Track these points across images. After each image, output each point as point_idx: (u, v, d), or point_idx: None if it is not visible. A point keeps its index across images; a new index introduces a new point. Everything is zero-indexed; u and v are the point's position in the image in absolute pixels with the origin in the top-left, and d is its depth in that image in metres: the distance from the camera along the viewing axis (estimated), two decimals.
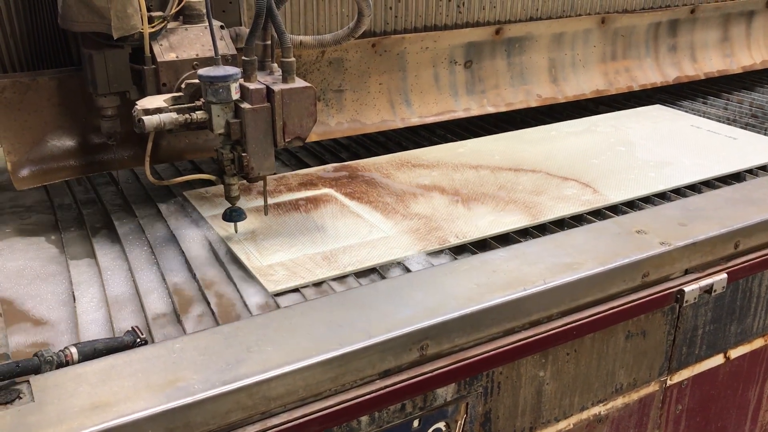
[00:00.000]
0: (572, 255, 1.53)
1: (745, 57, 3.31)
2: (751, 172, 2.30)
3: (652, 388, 1.72)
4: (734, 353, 1.86)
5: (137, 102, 1.69)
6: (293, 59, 1.70)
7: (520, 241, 1.79)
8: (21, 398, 1.07)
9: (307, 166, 2.33)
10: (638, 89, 2.99)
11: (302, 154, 2.43)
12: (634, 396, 1.69)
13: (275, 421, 1.16)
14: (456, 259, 1.69)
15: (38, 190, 2.11)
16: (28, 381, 1.10)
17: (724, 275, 1.65)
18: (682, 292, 1.59)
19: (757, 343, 1.91)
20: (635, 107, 2.97)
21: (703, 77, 3.16)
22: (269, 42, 1.79)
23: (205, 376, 1.13)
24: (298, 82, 1.70)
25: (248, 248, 1.75)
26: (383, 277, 1.63)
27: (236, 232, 1.82)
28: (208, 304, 1.49)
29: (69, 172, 1.98)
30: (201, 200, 2.02)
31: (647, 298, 1.55)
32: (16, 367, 1.09)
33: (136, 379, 1.12)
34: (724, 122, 2.79)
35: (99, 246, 1.78)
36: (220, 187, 1.81)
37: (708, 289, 1.63)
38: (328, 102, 2.38)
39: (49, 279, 1.63)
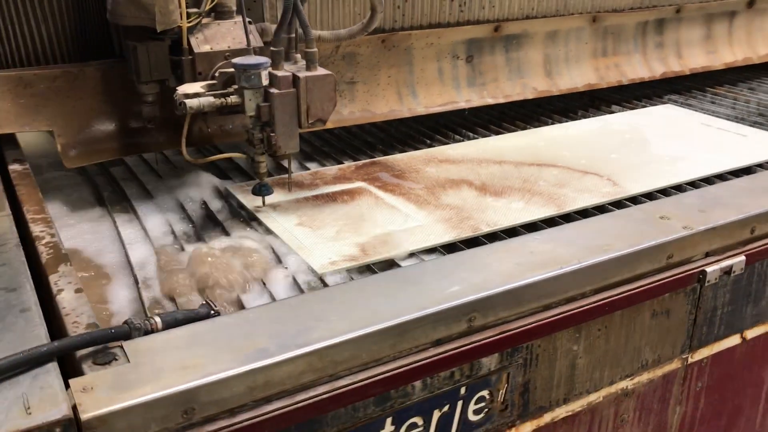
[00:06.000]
0: (602, 238, 1.64)
1: (727, 54, 3.49)
2: (762, 166, 2.42)
3: (675, 365, 1.83)
4: (750, 334, 1.97)
5: (177, 88, 1.89)
6: (316, 50, 1.91)
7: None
8: (117, 360, 1.18)
9: (339, 162, 2.44)
10: (627, 83, 3.18)
11: (333, 153, 2.55)
12: (659, 372, 1.80)
13: (342, 382, 1.27)
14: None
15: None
16: (120, 346, 1.21)
17: (742, 257, 1.76)
18: (704, 272, 1.71)
19: None
20: (633, 104, 3.11)
21: (688, 73, 3.34)
22: (293, 35, 1.98)
23: (281, 341, 1.23)
24: (320, 70, 1.91)
25: (295, 233, 1.86)
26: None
27: (263, 204, 2.02)
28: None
29: (112, 152, 2.18)
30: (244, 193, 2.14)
31: (672, 278, 1.67)
32: (111, 332, 1.20)
33: (218, 345, 1.23)
34: (732, 121, 2.91)
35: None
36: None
37: (728, 271, 1.74)
38: (342, 93, 2.54)
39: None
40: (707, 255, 1.75)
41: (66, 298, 1.34)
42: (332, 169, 2.35)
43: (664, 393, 1.85)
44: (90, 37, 2.13)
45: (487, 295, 1.41)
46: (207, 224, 1.95)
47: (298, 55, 2.00)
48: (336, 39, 2.26)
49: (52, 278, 1.40)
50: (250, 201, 2.06)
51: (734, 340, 1.94)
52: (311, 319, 1.30)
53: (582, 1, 2.98)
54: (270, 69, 1.86)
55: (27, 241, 1.57)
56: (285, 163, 2.23)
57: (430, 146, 2.62)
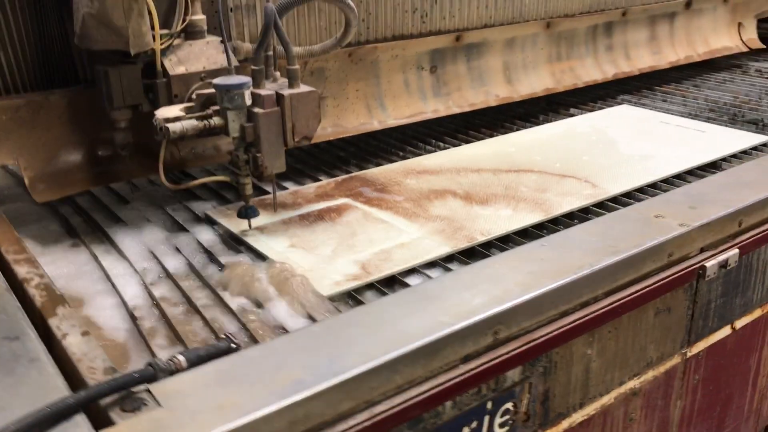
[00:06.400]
0: (606, 240, 1.65)
1: (670, 53, 3.66)
2: (726, 160, 2.50)
3: (675, 360, 1.86)
4: (739, 324, 2.03)
5: (156, 112, 1.81)
6: (298, 67, 1.87)
7: (542, 235, 1.92)
8: (146, 405, 1.10)
9: (316, 179, 2.39)
10: (582, 86, 3.26)
11: (307, 170, 2.50)
12: (661, 369, 1.83)
13: (379, 408, 1.23)
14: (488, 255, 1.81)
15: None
16: (147, 389, 1.13)
17: (736, 250, 1.81)
18: (703, 268, 1.74)
19: (756, 313, 2.08)
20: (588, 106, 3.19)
21: (637, 73, 3.46)
22: (271, 53, 1.93)
23: (315, 371, 1.18)
24: (303, 87, 1.87)
25: (289, 256, 1.81)
26: (429, 277, 1.72)
27: (250, 228, 1.95)
28: None
29: (83, 183, 2.07)
30: (227, 217, 2.06)
31: (676, 275, 1.69)
32: (136, 376, 1.12)
33: (250, 380, 1.17)
34: (687, 117, 3.01)
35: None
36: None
37: (723, 264, 1.79)
38: None
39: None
40: (702, 250, 1.79)
41: (74, 343, 1.25)
42: (311, 187, 2.30)
43: (667, 389, 1.87)
44: (54, 65, 2.01)
45: (510, 307, 1.40)
46: (194, 254, 1.86)
47: (278, 73, 1.96)
48: (309, 55, 2.22)
49: (53, 322, 1.31)
50: (234, 225, 1.99)
51: (726, 331, 1.99)
52: (340, 345, 1.25)
53: (536, 7, 3.04)
54: (252, 88, 1.81)
55: (13, 284, 1.46)
56: (268, 185, 2.17)
57: (403, 158, 2.60)
